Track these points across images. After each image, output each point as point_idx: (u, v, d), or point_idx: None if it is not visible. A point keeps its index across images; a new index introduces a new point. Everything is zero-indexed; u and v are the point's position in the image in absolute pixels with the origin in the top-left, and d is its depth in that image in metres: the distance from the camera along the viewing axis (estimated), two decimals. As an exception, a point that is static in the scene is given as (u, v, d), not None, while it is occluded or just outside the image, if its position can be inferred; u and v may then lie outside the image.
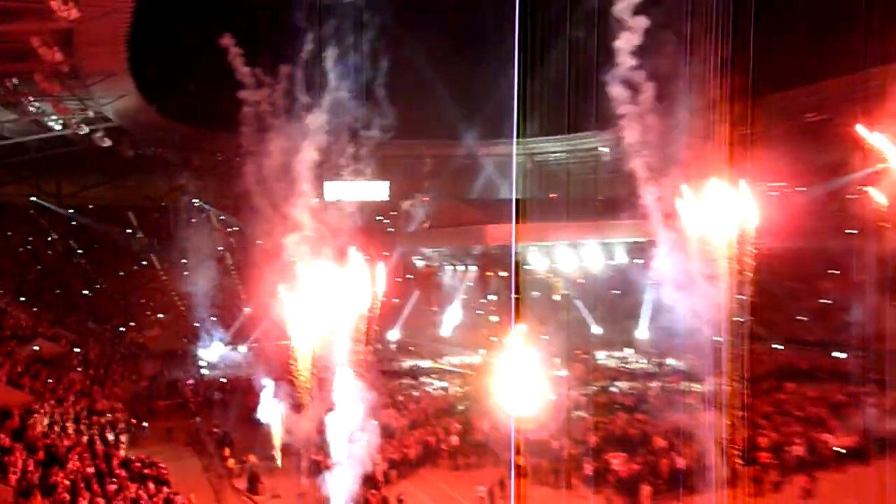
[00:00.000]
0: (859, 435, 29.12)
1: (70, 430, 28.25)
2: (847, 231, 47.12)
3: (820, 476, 26.04)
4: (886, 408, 28.66)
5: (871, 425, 29.06)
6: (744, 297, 27.85)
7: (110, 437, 30.07)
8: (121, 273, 61.66)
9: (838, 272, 48.12)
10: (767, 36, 29.06)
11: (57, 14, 29.23)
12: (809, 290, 51.40)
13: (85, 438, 27.66)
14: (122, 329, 53.91)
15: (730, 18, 25.95)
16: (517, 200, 66.42)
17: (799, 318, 50.30)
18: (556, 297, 54.36)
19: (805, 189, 54.99)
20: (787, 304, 51.34)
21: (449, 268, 64.10)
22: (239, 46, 29.41)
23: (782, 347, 46.29)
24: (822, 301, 48.45)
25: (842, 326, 39.84)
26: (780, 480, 26.22)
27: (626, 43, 26.13)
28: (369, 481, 25.55)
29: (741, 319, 28.66)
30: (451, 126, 61.55)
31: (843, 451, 28.41)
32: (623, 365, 48.15)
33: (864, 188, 36.85)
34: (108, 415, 32.99)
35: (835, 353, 41.44)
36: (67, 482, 21.03)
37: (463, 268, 61.84)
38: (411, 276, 64.95)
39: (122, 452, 28.17)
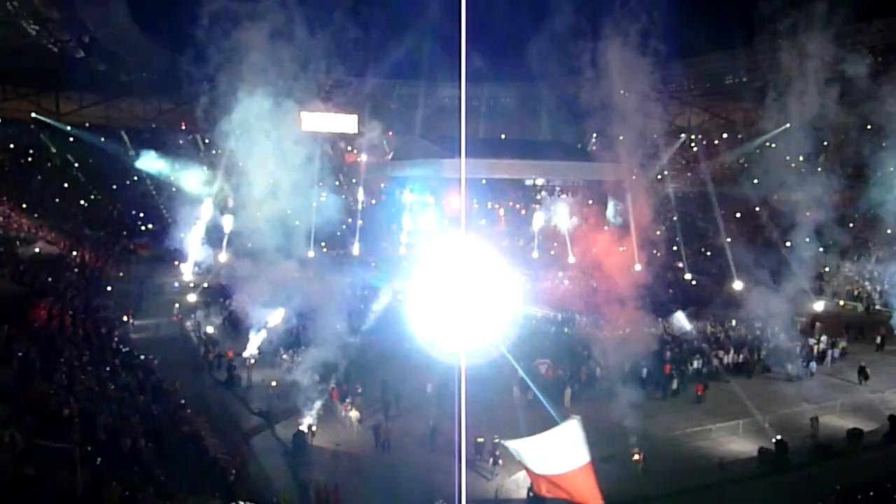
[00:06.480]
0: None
1: (67, 324, 26.87)
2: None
3: (711, 386, 26.48)
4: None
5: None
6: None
7: (103, 331, 28.78)
8: (113, 186, 58.80)
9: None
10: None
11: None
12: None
13: (81, 331, 26.43)
14: (114, 235, 51.48)
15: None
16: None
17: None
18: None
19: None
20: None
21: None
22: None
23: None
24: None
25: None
26: (677, 388, 26.40)
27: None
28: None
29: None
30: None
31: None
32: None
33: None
34: (102, 311, 31.80)
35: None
36: (65, 368, 20.23)
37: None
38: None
39: (113, 345, 27.07)
